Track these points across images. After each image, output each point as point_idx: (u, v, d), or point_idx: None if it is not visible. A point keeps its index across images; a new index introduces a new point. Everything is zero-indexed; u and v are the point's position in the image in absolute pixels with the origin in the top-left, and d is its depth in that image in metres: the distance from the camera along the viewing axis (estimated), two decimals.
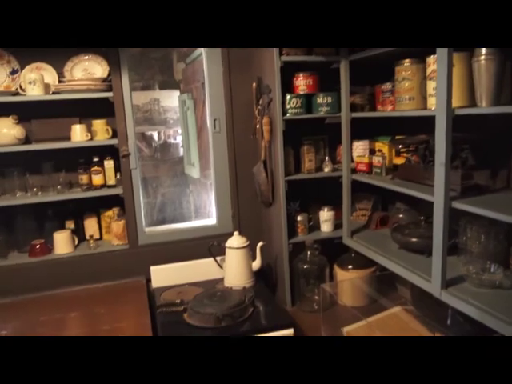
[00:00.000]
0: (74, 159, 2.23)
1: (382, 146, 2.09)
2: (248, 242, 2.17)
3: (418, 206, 2.00)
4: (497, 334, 1.31)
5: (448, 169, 1.40)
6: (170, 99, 3.71)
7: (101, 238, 2.39)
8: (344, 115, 2.03)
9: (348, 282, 2.11)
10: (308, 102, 2.14)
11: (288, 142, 2.11)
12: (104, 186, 2.27)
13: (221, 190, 2.45)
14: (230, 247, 2.15)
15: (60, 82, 2.17)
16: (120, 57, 2.16)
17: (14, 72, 2.12)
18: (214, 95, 2.37)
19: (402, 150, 1.97)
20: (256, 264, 2.20)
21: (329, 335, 1.89)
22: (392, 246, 1.88)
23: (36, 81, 2.05)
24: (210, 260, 2.26)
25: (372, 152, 2.14)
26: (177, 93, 3.56)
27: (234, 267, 2.14)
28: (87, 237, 2.32)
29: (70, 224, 2.31)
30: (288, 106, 2.08)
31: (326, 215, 2.25)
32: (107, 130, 2.21)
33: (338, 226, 2.26)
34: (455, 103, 1.40)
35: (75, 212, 2.32)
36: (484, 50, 1.35)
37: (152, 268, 2.26)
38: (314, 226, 2.31)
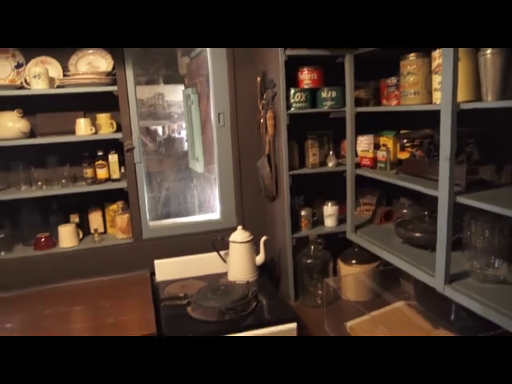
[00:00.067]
0: (79, 153, 2.23)
1: (387, 140, 2.08)
2: (251, 237, 2.17)
3: (422, 201, 2.00)
4: (501, 330, 1.31)
5: (453, 163, 1.39)
6: (175, 94, 3.71)
7: (105, 231, 2.40)
8: (348, 110, 2.02)
9: (351, 277, 2.11)
10: (312, 96, 2.14)
11: (292, 136, 2.10)
12: (108, 179, 2.27)
13: (225, 185, 2.45)
14: (233, 241, 2.16)
15: (64, 75, 2.17)
16: (124, 51, 2.16)
17: (18, 66, 2.12)
18: (219, 89, 2.36)
19: (407, 144, 1.96)
20: (259, 258, 2.21)
21: (332, 330, 1.89)
22: (396, 240, 1.88)
23: (41, 75, 2.05)
24: (214, 254, 2.27)
25: (376, 147, 2.14)
26: (181, 87, 3.56)
27: (238, 261, 2.15)
28: (92, 230, 2.33)
29: (75, 218, 2.32)
30: (292, 101, 2.08)
31: (329, 210, 2.24)
32: (111, 123, 2.21)
33: (341, 220, 2.25)
34: (460, 97, 1.39)
35: (80, 206, 2.33)
36: None
37: (156, 262, 2.27)
38: (318, 220, 2.31)
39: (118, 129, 2.24)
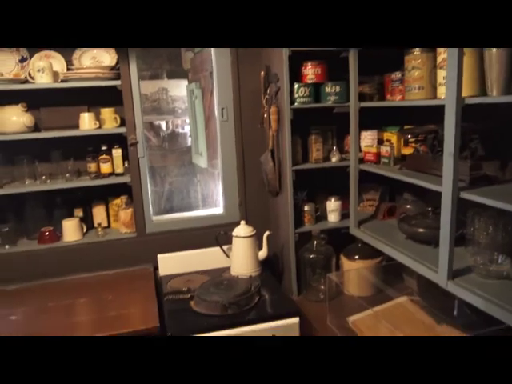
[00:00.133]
0: (83, 147, 2.24)
1: (391, 135, 2.07)
2: (255, 231, 2.18)
3: (425, 197, 1.99)
4: (503, 325, 1.31)
5: (457, 159, 1.38)
6: (178, 88, 3.70)
7: (109, 225, 2.41)
8: (352, 105, 2.01)
9: (354, 272, 2.11)
10: (316, 91, 2.13)
11: (296, 131, 2.10)
12: (112, 174, 2.28)
13: (228, 179, 2.45)
14: (236, 236, 2.16)
15: (68, 70, 2.18)
16: None
17: (23, 60, 2.13)
18: (222, 84, 2.36)
19: (411, 139, 1.95)
20: (262, 253, 2.21)
21: (334, 325, 1.89)
22: (399, 236, 1.87)
23: (45, 69, 2.06)
24: (217, 249, 2.27)
25: (380, 142, 2.13)
26: (185, 82, 3.55)
27: (241, 256, 2.15)
28: (95, 225, 2.34)
29: (79, 212, 2.33)
30: (296, 95, 2.07)
31: (332, 205, 2.24)
32: (115, 118, 2.21)
33: (344, 216, 2.25)
34: (465, 92, 1.38)
35: (83, 200, 2.34)
36: None
37: (159, 256, 2.28)
38: (321, 215, 2.31)
39: (122, 123, 2.24)
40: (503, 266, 1.46)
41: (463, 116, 1.36)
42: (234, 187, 2.46)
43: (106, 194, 2.36)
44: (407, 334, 1.58)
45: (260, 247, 2.22)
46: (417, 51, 1.70)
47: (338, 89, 2.11)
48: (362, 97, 2.05)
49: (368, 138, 2.17)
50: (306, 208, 2.22)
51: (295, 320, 1.78)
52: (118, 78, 2.17)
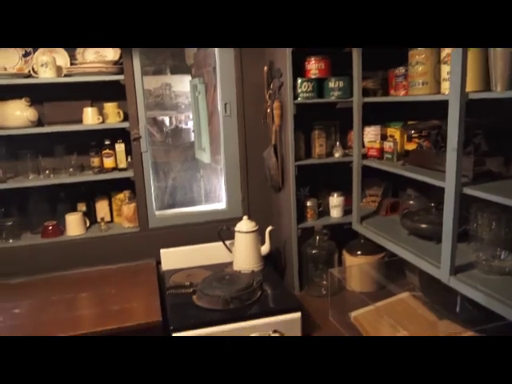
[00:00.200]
0: (86, 142, 2.24)
1: (394, 131, 2.07)
2: (257, 227, 2.18)
3: (428, 193, 1.99)
4: (505, 321, 1.30)
5: (460, 154, 1.38)
6: (182, 84, 3.70)
7: (112, 220, 2.42)
8: (356, 100, 2.01)
9: (356, 268, 2.11)
10: (319, 86, 2.12)
11: (299, 126, 2.09)
12: (115, 169, 2.28)
13: (231, 174, 2.45)
14: (239, 231, 2.17)
15: (72, 64, 2.18)
16: None
17: (26, 54, 2.13)
18: (225, 79, 2.36)
19: (414, 135, 1.94)
20: (265, 248, 2.21)
21: (336, 320, 1.89)
22: (402, 232, 1.87)
23: (48, 63, 2.06)
24: (220, 244, 2.28)
25: (384, 138, 2.12)
26: (188, 77, 3.55)
27: (243, 251, 2.16)
28: (98, 219, 2.35)
29: (82, 206, 2.34)
30: (299, 90, 2.07)
31: (335, 201, 2.24)
32: (118, 113, 2.22)
33: (347, 211, 2.25)
34: (469, 88, 1.38)
35: (87, 194, 2.35)
36: None
37: (162, 251, 2.29)
38: (324, 211, 2.31)
39: (125, 118, 2.24)
40: (506, 262, 1.45)
41: (467, 111, 1.36)
42: (236, 182, 2.46)
43: (109, 188, 2.36)
44: (409, 330, 1.58)
45: (262, 242, 2.22)
46: None
47: (341, 84, 2.10)
48: (365, 92, 2.04)
49: (371, 133, 2.16)
50: (308, 203, 2.23)
51: (297, 315, 1.78)
52: (121, 72, 2.17)
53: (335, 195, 2.24)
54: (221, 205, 2.58)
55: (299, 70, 2.09)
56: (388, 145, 1.97)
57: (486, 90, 1.40)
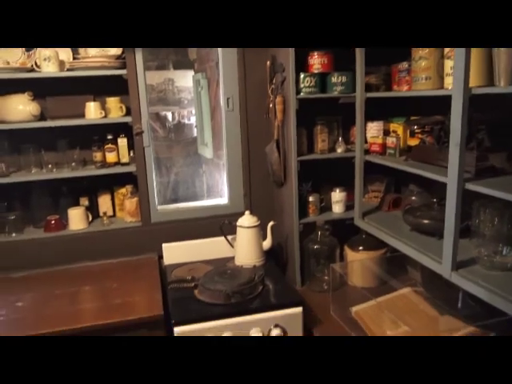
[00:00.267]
0: (88, 136, 2.25)
1: (397, 127, 2.06)
2: (259, 222, 2.18)
3: (431, 189, 1.98)
4: (506, 316, 1.30)
5: (463, 149, 1.37)
6: (185, 79, 3.69)
7: (114, 215, 2.42)
8: (358, 95, 2.00)
9: (358, 263, 2.11)
10: (322, 81, 2.12)
11: (301, 121, 2.09)
12: (117, 163, 2.29)
13: (233, 169, 2.46)
14: (240, 226, 2.17)
15: (74, 59, 2.18)
16: None
17: (29, 49, 2.13)
18: (228, 74, 2.35)
19: (417, 130, 1.94)
20: (267, 243, 2.22)
21: (337, 315, 1.90)
22: (404, 227, 1.87)
23: (51, 58, 2.06)
24: (221, 238, 2.28)
25: (386, 133, 2.12)
26: (191, 73, 3.54)
27: (245, 246, 2.16)
28: (101, 214, 2.36)
29: (84, 201, 2.35)
30: (302, 85, 2.06)
31: (337, 196, 2.24)
32: (121, 107, 2.22)
33: (349, 207, 2.25)
34: (472, 83, 1.37)
35: (89, 189, 2.36)
36: None
37: (164, 245, 2.30)
38: (326, 206, 2.31)
39: (128, 113, 2.25)
40: (508, 258, 1.45)
41: (470, 107, 1.35)
42: (238, 177, 2.46)
43: (111, 183, 2.37)
44: (410, 325, 1.58)
45: (264, 237, 2.22)
46: None
47: (344, 79, 2.10)
48: (368, 87, 2.03)
49: (374, 128, 2.15)
50: (310, 199, 2.22)
51: (298, 310, 1.79)
52: (123, 67, 2.17)
53: (337, 190, 2.23)
54: (223, 200, 2.59)
55: (302, 65, 2.08)
56: (391, 140, 1.97)
57: (490, 85, 1.39)
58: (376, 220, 2.05)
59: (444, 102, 1.44)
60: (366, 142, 2.10)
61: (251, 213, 2.22)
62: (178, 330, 1.68)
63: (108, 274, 2.13)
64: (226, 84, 2.36)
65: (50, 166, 2.21)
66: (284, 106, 2.13)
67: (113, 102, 2.21)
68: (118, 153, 2.28)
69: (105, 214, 2.33)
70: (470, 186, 1.40)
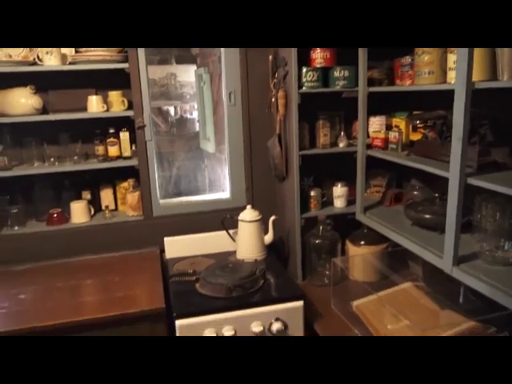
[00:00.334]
0: (91, 130, 2.25)
1: (399, 121, 2.05)
2: (260, 216, 2.18)
3: (433, 184, 1.98)
4: (507, 311, 1.30)
5: (465, 144, 1.37)
6: (187, 74, 3.68)
7: (116, 208, 2.43)
8: (361, 89, 1.99)
9: (359, 258, 2.11)
10: (324, 75, 2.11)
11: (303, 116, 2.09)
12: (120, 157, 2.29)
13: (235, 164, 2.45)
14: (242, 220, 2.17)
15: (76, 52, 2.17)
16: None
17: None
18: (230, 68, 2.35)
19: (419, 125, 1.93)
20: (268, 237, 2.22)
21: (338, 309, 1.90)
22: (405, 222, 1.87)
23: (53, 51, 2.06)
24: (223, 232, 2.29)
25: (389, 128, 2.11)
26: (193, 67, 3.53)
27: (247, 240, 2.17)
28: (103, 207, 2.36)
29: (87, 194, 2.35)
30: (304, 80, 2.05)
31: (339, 191, 2.24)
32: (123, 101, 2.22)
33: (351, 202, 2.25)
34: (475, 77, 1.36)
35: (91, 183, 2.36)
36: None
37: (166, 239, 2.30)
38: (327, 201, 2.31)
39: (130, 106, 2.24)
40: (509, 253, 1.45)
41: (473, 101, 1.34)
42: (240, 172, 2.46)
43: (113, 177, 2.37)
44: (411, 319, 1.59)
45: (266, 232, 2.23)
46: None
47: (346, 73, 2.09)
48: (370, 82, 2.02)
49: (376, 123, 2.15)
50: (312, 193, 2.22)
51: (299, 303, 1.79)
52: (125, 60, 2.17)
53: (339, 185, 2.23)
54: (225, 194, 2.59)
55: (304, 59, 2.08)
56: (393, 135, 1.96)
57: (493, 79, 1.39)
58: (378, 215, 2.05)
59: (447, 97, 1.43)
60: (368, 136, 2.09)
61: (253, 207, 2.22)
62: (180, 323, 1.69)
63: (110, 268, 2.14)
64: (228, 78, 2.36)
65: (52, 159, 2.21)
66: (286, 101, 2.12)
67: (115, 95, 2.21)
68: (120, 147, 2.28)
69: (107, 207, 2.33)
70: (472, 181, 1.40)
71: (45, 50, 2.05)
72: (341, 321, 1.84)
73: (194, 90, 3.60)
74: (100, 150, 2.26)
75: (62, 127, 2.21)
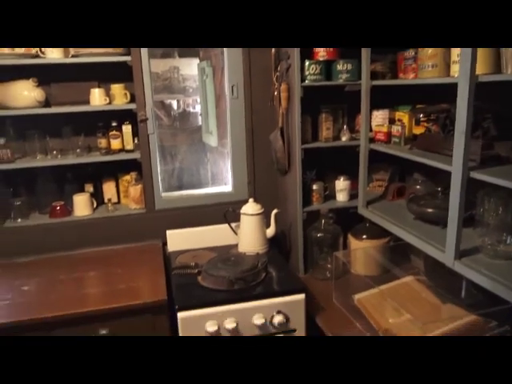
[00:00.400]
0: (93, 123, 2.25)
1: (403, 115, 2.04)
2: (263, 209, 2.19)
3: (435, 178, 1.97)
4: (508, 305, 1.31)
5: (468, 137, 1.37)
6: (190, 67, 3.67)
7: (119, 201, 2.43)
8: (364, 83, 1.98)
9: (361, 251, 2.11)
10: (327, 68, 2.10)
11: (306, 109, 2.08)
12: (122, 150, 2.29)
13: (237, 157, 2.45)
14: (244, 214, 2.17)
15: None
16: None
17: None
18: (233, 61, 2.34)
19: (423, 119, 1.92)
20: (270, 231, 2.22)
21: (340, 302, 1.91)
22: (407, 216, 1.86)
23: None
24: (225, 226, 2.29)
25: (392, 121, 2.10)
26: (196, 61, 3.52)
27: (249, 233, 2.17)
28: (105, 200, 2.37)
29: (89, 187, 2.36)
30: (307, 73, 2.05)
31: (341, 185, 2.24)
32: (125, 94, 2.21)
33: (353, 196, 2.25)
34: (479, 70, 1.35)
35: (94, 176, 2.37)
36: None
37: (168, 232, 2.31)
38: (330, 195, 2.31)
39: (132, 100, 2.24)
40: (511, 247, 1.45)
41: (477, 95, 1.34)
42: (242, 165, 2.46)
43: (116, 170, 2.38)
44: (412, 313, 1.59)
45: (268, 225, 2.23)
46: None
47: (349, 66, 2.08)
48: (374, 75, 2.01)
49: (379, 117, 2.14)
50: (314, 187, 2.22)
51: (301, 296, 1.80)
52: (128, 53, 2.16)
53: (341, 179, 2.23)
54: (227, 187, 2.59)
55: (307, 52, 2.07)
56: (396, 129, 1.95)
57: (497, 72, 1.38)
58: (380, 209, 2.05)
59: (450, 90, 1.42)
60: (370, 130, 2.08)
61: (255, 200, 2.22)
62: (182, 315, 1.70)
63: (112, 260, 2.15)
64: (231, 72, 2.35)
65: (54, 152, 2.22)
66: (289, 94, 2.12)
67: (117, 88, 2.21)
68: (123, 140, 2.28)
69: (109, 200, 2.34)
70: (475, 175, 1.39)
71: None
72: (342, 314, 1.84)
73: (197, 83, 3.59)
74: (102, 142, 2.26)
75: (65, 120, 2.21)
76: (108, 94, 2.20)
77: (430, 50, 1.68)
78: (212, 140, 3.28)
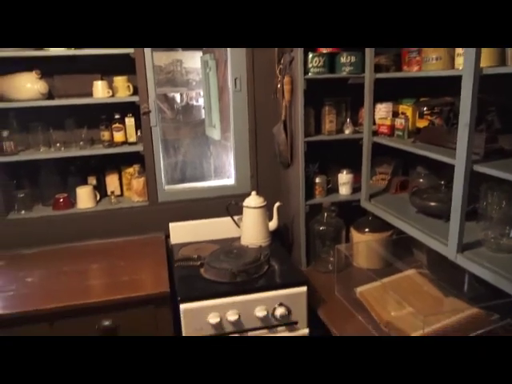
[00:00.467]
0: (96, 115, 2.25)
1: (406, 108, 2.04)
2: (265, 202, 2.19)
3: (439, 172, 1.97)
4: (510, 298, 1.30)
5: (472, 130, 1.36)
6: (193, 60, 3.66)
7: (121, 194, 2.44)
8: (368, 76, 1.97)
9: (364, 244, 2.12)
10: (331, 61, 2.09)
11: (309, 102, 2.07)
12: (125, 143, 2.29)
13: (240, 150, 2.45)
14: (247, 206, 2.18)
15: None
16: None
17: None
18: (236, 54, 2.33)
19: (426, 112, 1.91)
20: (273, 224, 2.23)
21: (342, 295, 1.91)
22: (410, 210, 1.86)
23: None
24: (228, 219, 2.29)
25: (395, 115, 2.09)
26: (199, 53, 3.50)
27: (251, 226, 2.17)
28: (108, 193, 2.37)
29: (92, 180, 2.36)
30: (310, 65, 2.04)
31: (344, 178, 2.23)
32: (128, 86, 2.21)
33: (356, 189, 2.24)
34: (483, 63, 1.34)
35: (97, 168, 2.37)
36: None
37: (171, 225, 2.32)
38: (332, 188, 2.31)
39: (135, 92, 2.24)
40: None
41: (481, 88, 1.33)
42: (245, 158, 2.46)
43: (119, 162, 2.38)
44: (414, 306, 1.59)
45: (270, 218, 2.23)
46: None
47: (353, 59, 2.07)
48: (377, 68, 2.00)
49: (383, 110, 2.13)
50: (317, 180, 2.22)
51: (303, 289, 1.81)
52: None
53: (344, 172, 2.23)
54: (230, 180, 2.59)
55: None
56: (399, 122, 1.94)
57: (501, 64, 1.37)
58: (383, 202, 2.04)
59: (454, 83, 1.41)
60: (374, 123, 2.08)
61: (258, 193, 2.22)
62: (184, 307, 1.71)
63: (115, 252, 2.16)
64: (234, 64, 2.35)
65: (58, 144, 2.22)
66: (292, 87, 2.11)
67: (120, 81, 2.21)
68: (126, 132, 2.28)
69: (112, 193, 2.34)
70: (479, 168, 1.39)
71: None
72: (344, 307, 1.85)
73: (200, 76, 3.58)
74: (105, 135, 2.26)
75: (68, 112, 2.22)
76: (111, 86, 2.20)
77: None
78: (215, 133, 3.27)
